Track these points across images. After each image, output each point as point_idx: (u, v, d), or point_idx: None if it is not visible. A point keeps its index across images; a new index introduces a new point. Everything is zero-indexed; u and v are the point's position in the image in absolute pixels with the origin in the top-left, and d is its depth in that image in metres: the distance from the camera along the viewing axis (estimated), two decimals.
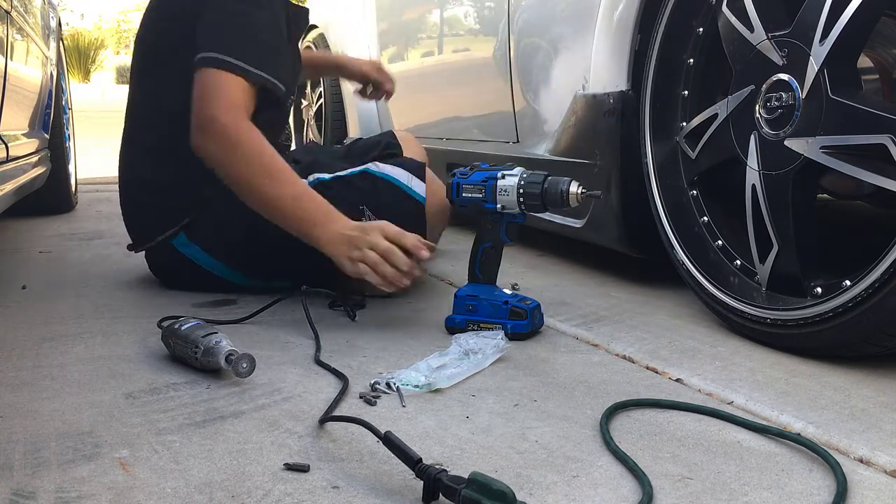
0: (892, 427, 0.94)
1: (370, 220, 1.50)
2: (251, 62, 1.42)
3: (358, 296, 1.53)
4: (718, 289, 1.34)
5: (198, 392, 1.05)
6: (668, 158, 1.50)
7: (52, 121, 2.62)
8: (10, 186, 1.81)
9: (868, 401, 1.03)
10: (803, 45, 1.16)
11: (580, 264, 1.94)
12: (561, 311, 1.49)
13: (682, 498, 0.77)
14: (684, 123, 1.47)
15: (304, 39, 1.94)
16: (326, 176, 1.57)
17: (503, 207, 1.30)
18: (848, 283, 1.10)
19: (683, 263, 1.42)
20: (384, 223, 1.36)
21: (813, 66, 1.14)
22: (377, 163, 1.58)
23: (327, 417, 0.94)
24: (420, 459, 0.77)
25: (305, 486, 0.79)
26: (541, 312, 1.35)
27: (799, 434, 0.91)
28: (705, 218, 1.44)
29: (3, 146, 1.76)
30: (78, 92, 6.40)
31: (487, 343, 1.18)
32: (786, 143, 1.20)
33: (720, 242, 1.40)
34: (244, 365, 1.06)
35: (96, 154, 5.40)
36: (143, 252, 1.68)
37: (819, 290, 1.16)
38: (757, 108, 1.26)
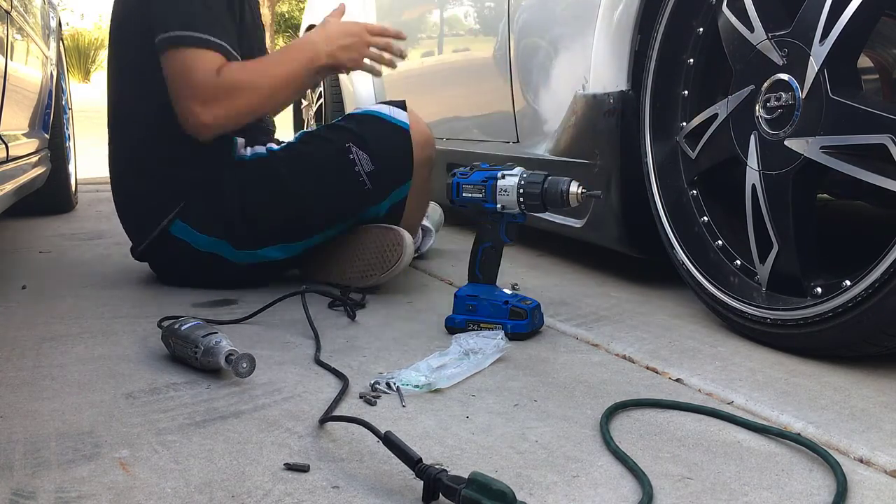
0: (892, 427, 0.94)
1: (358, 155, 1.55)
2: (204, 31, 1.47)
3: (358, 295, 1.53)
4: (718, 289, 1.34)
5: (198, 392, 1.05)
6: (668, 158, 1.50)
7: (52, 121, 2.62)
8: (10, 186, 1.81)
9: (868, 401, 1.03)
10: (803, 45, 1.16)
11: (580, 264, 1.94)
12: (561, 311, 1.49)
13: (682, 498, 0.77)
14: (684, 123, 1.47)
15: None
16: (312, 129, 1.64)
17: (503, 207, 1.30)
18: (848, 283, 1.10)
19: (683, 263, 1.42)
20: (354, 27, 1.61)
21: (813, 66, 1.14)
22: (358, 108, 1.64)
23: (327, 417, 0.94)
24: (420, 459, 0.77)
25: (305, 486, 0.79)
26: (541, 312, 1.35)
27: (799, 434, 0.91)
28: (705, 218, 1.44)
29: (3, 146, 1.76)
30: (78, 92, 6.39)
31: (487, 343, 1.18)
32: (786, 143, 1.20)
33: (720, 242, 1.40)
34: (244, 365, 1.06)
35: (96, 154, 5.40)
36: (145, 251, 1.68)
37: (819, 290, 1.16)
38: (757, 108, 1.26)
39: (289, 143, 1.63)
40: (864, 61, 1.42)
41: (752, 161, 1.26)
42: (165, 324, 1.24)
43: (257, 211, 1.57)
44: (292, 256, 1.63)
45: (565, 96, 1.77)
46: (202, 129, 1.50)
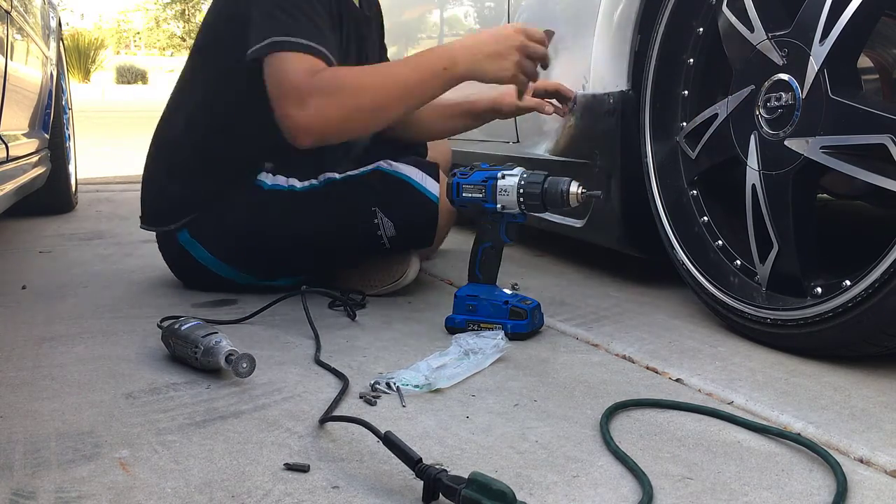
0: (892, 427, 0.94)
1: (382, 221, 1.50)
2: (304, 37, 1.39)
3: (358, 296, 1.53)
4: (718, 289, 1.34)
5: (198, 392, 1.05)
6: (668, 158, 1.50)
7: (52, 121, 2.63)
8: (10, 186, 1.81)
9: (868, 401, 1.03)
10: (803, 45, 1.16)
11: (580, 264, 1.94)
12: (561, 311, 1.49)
13: (682, 498, 0.77)
14: (684, 123, 1.47)
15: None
16: (337, 175, 1.56)
17: (503, 207, 1.30)
18: (848, 283, 1.10)
19: (683, 263, 1.42)
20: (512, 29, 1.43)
21: (813, 66, 1.14)
22: (389, 161, 1.55)
23: (327, 417, 0.94)
24: (420, 459, 0.77)
25: (305, 486, 0.79)
26: (541, 312, 1.35)
27: (799, 434, 0.91)
28: (705, 218, 1.44)
29: (4, 146, 1.76)
30: (78, 92, 6.40)
31: (487, 343, 1.18)
32: (786, 143, 1.20)
33: (720, 242, 1.40)
34: (244, 365, 1.06)
35: (96, 154, 5.40)
36: (155, 244, 1.70)
37: (819, 290, 1.16)
38: (757, 108, 1.26)
39: (312, 185, 1.54)
40: (864, 61, 1.42)
41: (752, 161, 1.26)
42: (165, 324, 1.24)
43: (265, 244, 1.54)
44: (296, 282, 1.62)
45: None
46: (299, 132, 1.38)
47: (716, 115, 1.37)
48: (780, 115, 1.21)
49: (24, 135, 2.08)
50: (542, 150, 1.90)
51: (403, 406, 1.00)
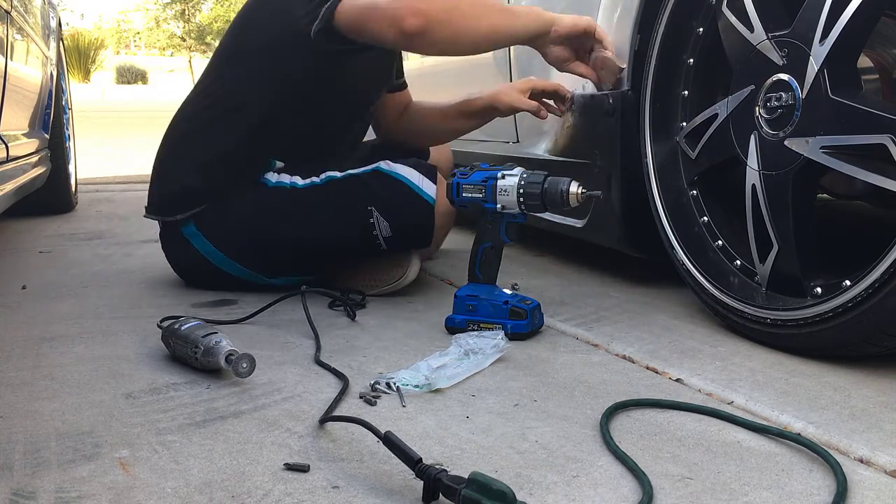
0: (892, 427, 0.94)
1: (378, 221, 1.50)
2: None
3: (358, 296, 1.53)
4: (718, 289, 1.34)
5: (198, 392, 1.05)
6: (668, 158, 1.50)
7: (52, 121, 2.63)
8: (10, 186, 1.81)
9: (868, 401, 1.03)
10: (803, 45, 1.16)
11: (580, 264, 1.94)
12: (561, 311, 1.49)
13: (682, 498, 0.77)
14: (684, 123, 1.47)
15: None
16: (338, 174, 1.57)
17: (503, 207, 1.30)
18: (848, 283, 1.10)
19: (683, 263, 1.42)
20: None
21: (813, 66, 1.14)
22: (388, 161, 1.56)
23: (327, 417, 0.94)
24: (420, 459, 0.77)
25: (305, 486, 0.79)
26: (541, 312, 1.35)
27: (799, 434, 0.91)
28: (705, 218, 1.44)
29: (3, 146, 1.76)
30: (78, 92, 6.40)
31: (487, 343, 1.18)
32: (786, 143, 1.20)
33: (720, 242, 1.40)
34: (244, 365, 1.06)
35: (96, 154, 5.40)
36: (159, 244, 1.70)
37: (819, 290, 1.16)
38: (757, 108, 1.26)
39: (312, 183, 1.57)
40: (864, 61, 1.42)
41: (752, 161, 1.26)
42: (165, 324, 1.24)
43: (266, 240, 1.56)
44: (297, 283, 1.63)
45: None
46: (408, 14, 1.40)
47: (716, 115, 1.37)
48: (780, 115, 1.21)
49: (24, 135, 2.08)
50: (541, 150, 1.90)
51: (403, 406, 1.00)
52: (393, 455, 0.79)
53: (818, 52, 1.13)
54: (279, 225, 1.55)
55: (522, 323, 1.29)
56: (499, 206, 1.30)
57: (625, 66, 1.55)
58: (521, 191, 1.27)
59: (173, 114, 1.69)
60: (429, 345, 1.26)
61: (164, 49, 44.30)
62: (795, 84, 1.18)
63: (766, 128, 1.24)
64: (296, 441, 0.89)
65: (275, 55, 1.52)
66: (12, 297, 1.59)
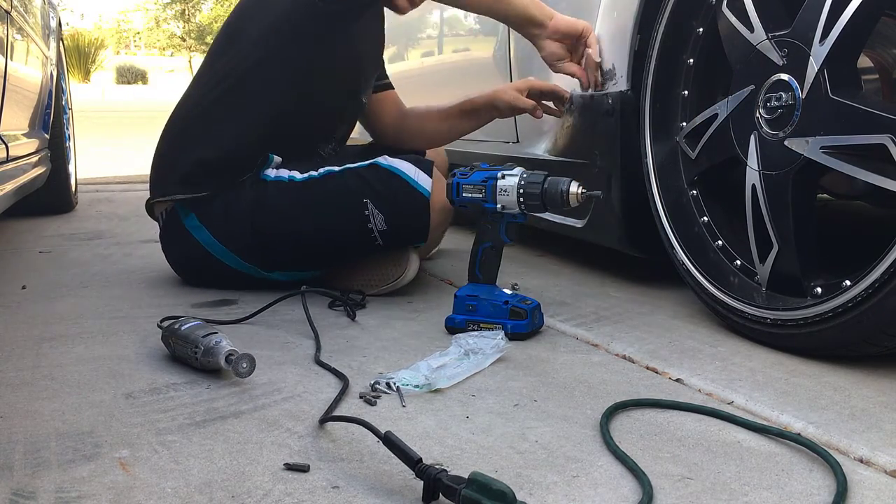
0: (892, 427, 0.94)
1: (373, 213, 1.51)
2: None
3: (358, 296, 1.53)
4: (718, 289, 1.34)
5: (198, 392, 1.05)
6: (668, 158, 1.50)
7: (52, 121, 2.63)
8: (10, 186, 1.81)
9: (868, 401, 1.03)
10: (803, 45, 1.16)
11: (580, 264, 1.94)
12: (561, 311, 1.49)
13: (682, 498, 0.77)
14: (684, 123, 1.47)
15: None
16: (336, 167, 1.58)
17: (503, 207, 1.30)
18: (848, 283, 1.10)
19: (683, 263, 1.42)
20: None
21: (813, 66, 1.14)
22: (387, 157, 1.57)
23: (327, 417, 0.94)
24: (420, 459, 0.77)
25: (305, 486, 0.79)
26: (541, 312, 1.35)
27: (799, 434, 0.91)
28: (705, 218, 1.44)
29: (3, 146, 1.76)
30: (78, 92, 6.40)
31: (487, 343, 1.18)
32: (786, 143, 1.20)
33: (720, 242, 1.40)
34: (244, 365, 1.06)
35: (96, 154, 5.40)
36: (159, 244, 1.71)
37: (819, 290, 1.16)
38: (757, 108, 1.26)
39: (310, 176, 1.58)
40: (864, 61, 1.42)
41: (752, 161, 1.26)
42: (165, 324, 1.24)
43: (265, 234, 1.57)
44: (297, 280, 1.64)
45: None
46: None
47: (716, 115, 1.37)
48: (780, 115, 1.21)
49: (24, 135, 2.08)
50: (541, 150, 1.90)
51: (403, 406, 1.00)
52: (393, 455, 0.79)
53: (818, 52, 1.13)
54: (277, 218, 1.56)
55: (522, 323, 1.29)
56: (499, 206, 1.30)
57: (600, 59, 1.61)
58: (521, 191, 1.27)
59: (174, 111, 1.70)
60: (429, 345, 1.26)
61: (164, 49, 44.32)
62: (795, 84, 1.18)
63: (766, 128, 1.24)
64: (296, 441, 0.89)
65: (281, 30, 1.56)
66: (12, 297, 1.59)
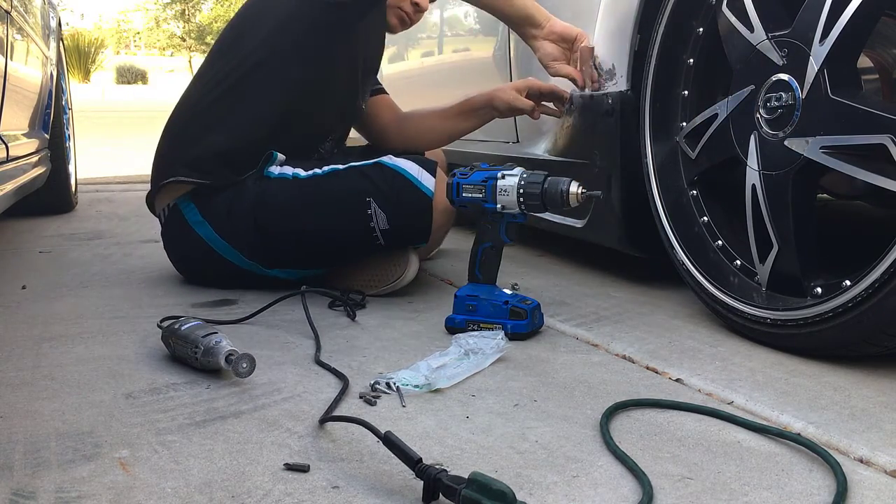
0: (892, 427, 0.94)
1: (375, 213, 1.51)
2: None
3: (358, 296, 1.53)
4: (718, 289, 1.34)
5: (198, 392, 1.05)
6: (668, 158, 1.50)
7: (52, 121, 2.62)
8: (10, 186, 1.81)
9: (868, 401, 1.03)
10: (803, 45, 1.16)
11: (580, 264, 1.94)
12: (561, 311, 1.49)
13: (682, 498, 0.77)
14: (684, 123, 1.47)
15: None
16: (340, 166, 1.59)
17: (503, 207, 1.30)
18: (848, 283, 1.10)
19: (683, 263, 1.42)
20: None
21: (813, 66, 1.14)
22: (391, 156, 1.58)
23: (327, 417, 0.94)
24: (420, 459, 0.77)
25: (305, 486, 0.79)
26: (541, 312, 1.35)
27: (799, 434, 0.91)
28: (705, 218, 1.44)
29: (3, 146, 1.76)
30: (78, 92, 6.40)
31: (487, 343, 1.18)
32: (786, 143, 1.20)
33: (720, 242, 1.40)
34: (244, 365, 1.06)
35: (96, 154, 5.40)
36: (159, 244, 1.72)
37: (819, 290, 1.16)
38: (757, 108, 1.26)
39: (314, 174, 1.58)
40: (864, 61, 1.42)
41: (752, 161, 1.26)
42: (165, 324, 1.24)
43: (267, 230, 1.57)
44: (297, 279, 1.64)
45: None
46: None
47: (716, 115, 1.37)
48: (780, 115, 1.21)
49: (24, 135, 2.08)
50: (541, 150, 1.90)
51: (403, 406, 1.00)
52: (393, 455, 0.79)
53: (818, 52, 1.13)
54: (280, 215, 1.56)
55: (522, 323, 1.29)
56: (499, 206, 1.30)
57: (593, 46, 1.64)
58: (521, 191, 1.27)
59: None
60: (429, 345, 1.26)
61: (164, 49, 44.30)
62: (795, 84, 1.18)
63: (766, 128, 1.24)
64: (296, 441, 0.89)
65: (286, 29, 1.58)
66: (12, 297, 1.59)
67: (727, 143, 1.33)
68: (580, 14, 1.73)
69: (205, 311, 1.48)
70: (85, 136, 5.25)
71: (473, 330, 1.30)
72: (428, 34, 2.68)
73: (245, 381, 1.08)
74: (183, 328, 1.15)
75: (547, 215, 1.81)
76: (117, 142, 6.65)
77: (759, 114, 1.26)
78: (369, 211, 1.51)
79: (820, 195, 1.91)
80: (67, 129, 3.14)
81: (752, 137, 1.27)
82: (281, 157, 1.61)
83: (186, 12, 39.79)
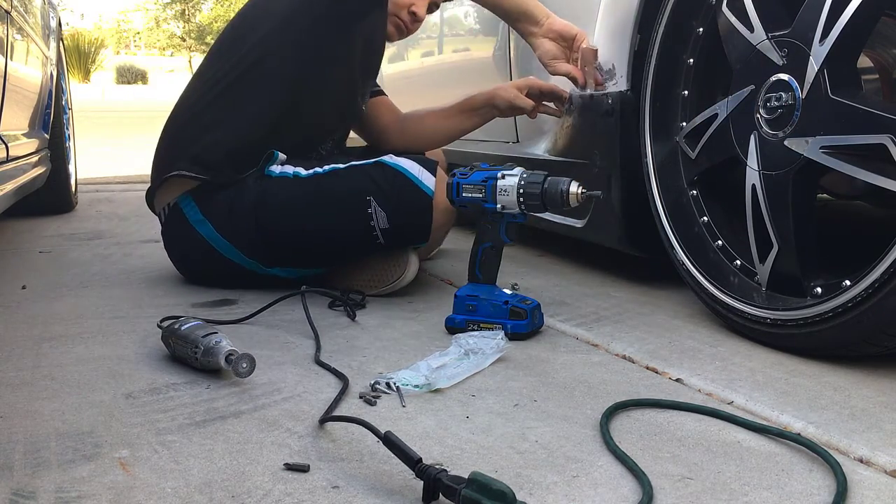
0: (892, 427, 0.94)
1: (376, 212, 1.51)
2: None
3: (358, 296, 1.53)
4: (718, 289, 1.34)
5: (198, 392, 1.05)
6: (668, 158, 1.50)
7: (52, 121, 2.62)
8: (10, 186, 1.81)
9: (868, 401, 1.03)
10: (803, 45, 1.16)
11: (580, 264, 1.94)
12: (561, 311, 1.49)
13: (682, 498, 0.77)
14: (684, 123, 1.47)
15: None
16: (341, 165, 1.59)
17: (503, 207, 1.30)
18: (848, 283, 1.10)
19: (683, 263, 1.42)
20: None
21: (813, 66, 1.14)
22: (392, 155, 1.58)
23: (327, 417, 0.94)
24: (420, 459, 0.77)
25: (305, 486, 0.79)
26: (541, 312, 1.35)
27: (799, 434, 0.91)
28: (705, 218, 1.44)
29: (3, 146, 1.76)
30: (78, 92, 6.40)
31: (487, 343, 1.18)
32: (786, 143, 1.20)
33: (720, 242, 1.40)
34: (244, 365, 1.06)
35: (96, 154, 5.40)
36: (159, 244, 1.72)
37: (819, 290, 1.16)
38: (757, 108, 1.26)
39: (315, 173, 1.58)
40: (864, 61, 1.42)
41: (752, 161, 1.26)
42: (165, 324, 1.24)
43: (268, 229, 1.57)
44: (297, 277, 1.64)
45: None
46: None
47: (716, 115, 1.37)
48: (780, 115, 1.21)
49: (24, 135, 2.08)
50: (541, 150, 1.90)
51: (403, 406, 1.00)
52: (393, 455, 0.79)
53: (818, 52, 1.13)
54: (280, 213, 1.56)
55: (522, 323, 1.29)
56: (499, 206, 1.30)
57: (597, 47, 1.62)
58: (521, 191, 1.27)
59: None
60: (429, 345, 1.26)
61: (164, 49, 44.31)
62: (795, 84, 1.18)
63: (765, 128, 1.24)
64: (296, 441, 0.89)
65: (289, 27, 1.59)
66: (12, 297, 1.59)
67: (727, 143, 1.33)
68: (580, 14, 1.73)
69: (205, 311, 1.48)
70: (85, 136, 5.25)
71: (473, 330, 1.30)
72: (428, 34, 2.68)
73: (245, 381, 1.08)
74: (183, 328, 1.15)
75: (547, 215, 1.81)
76: (117, 142, 6.65)
77: (759, 114, 1.26)
78: (370, 210, 1.51)
79: (820, 195, 1.91)
80: (67, 129, 3.14)
81: (752, 137, 1.27)
82: (282, 156, 1.61)
83: (186, 12, 39.79)
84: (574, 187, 1.24)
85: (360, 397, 1.03)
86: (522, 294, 1.35)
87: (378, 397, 1.03)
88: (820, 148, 1.14)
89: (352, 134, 1.99)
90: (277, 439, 0.90)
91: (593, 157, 1.66)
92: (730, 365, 1.17)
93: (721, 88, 1.42)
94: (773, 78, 1.22)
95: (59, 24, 2.99)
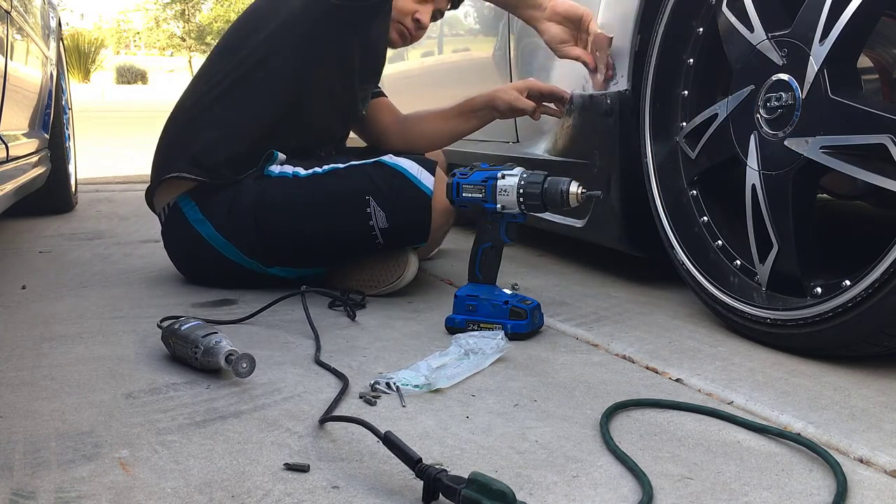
0: (892, 427, 0.94)
1: (375, 211, 1.51)
2: None
3: (358, 296, 1.53)
4: (718, 289, 1.34)
5: (198, 392, 1.05)
6: (668, 158, 1.50)
7: (52, 121, 2.62)
8: (10, 186, 1.81)
9: (868, 401, 1.03)
10: (803, 45, 1.16)
11: (580, 264, 1.94)
12: (561, 311, 1.49)
13: (682, 498, 0.77)
14: (684, 123, 1.47)
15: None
16: (340, 165, 1.59)
17: (503, 207, 1.30)
18: (848, 283, 1.10)
19: (683, 263, 1.42)
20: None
21: (813, 66, 1.14)
22: (392, 155, 1.58)
23: (327, 417, 0.94)
24: (420, 459, 0.77)
25: (305, 486, 0.79)
26: (541, 312, 1.35)
27: (799, 434, 0.91)
28: (705, 218, 1.44)
29: (3, 146, 1.76)
30: (78, 92, 6.40)
31: (487, 343, 1.18)
32: (786, 143, 1.20)
33: (720, 242, 1.40)
34: (244, 365, 1.06)
35: (96, 154, 5.40)
36: (159, 244, 1.72)
37: (819, 290, 1.16)
38: (757, 108, 1.26)
39: (314, 173, 1.58)
40: (864, 61, 1.42)
41: (752, 161, 1.26)
42: (165, 324, 1.24)
43: (267, 228, 1.57)
44: (297, 277, 1.64)
45: None
46: None
47: (716, 115, 1.37)
48: (780, 115, 1.21)
49: (24, 135, 2.08)
50: (541, 150, 1.90)
51: (403, 406, 1.00)
52: (393, 455, 0.79)
53: (818, 52, 1.13)
54: (279, 213, 1.56)
55: (522, 323, 1.29)
56: (499, 206, 1.30)
57: (612, 35, 1.59)
58: (521, 191, 1.27)
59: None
60: (429, 345, 1.26)
61: (164, 49, 44.31)
62: (795, 84, 1.18)
63: (765, 128, 1.24)
64: (296, 441, 0.89)
65: (293, 29, 1.58)
66: (12, 297, 1.59)
67: (727, 143, 1.33)
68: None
69: (205, 311, 1.48)
70: (85, 136, 5.25)
71: (473, 330, 1.30)
72: (428, 34, 2.68)
73: (245, 381, 1.08)
74: (183, 328, 1.15)
75: (547, 215, 1.81)
76: (117, 142, 6.66)
77: (759, 114, 1.26)
78: (368, 209, 1.51)
79: (820, 195, 1.91)
80: (67, 128, 3.14)
81: (752, 137, 1.27)
82: (281, 156, 1.61)
83: (186, 12, 39.79)
84: (574, 187, 1.24)
85: (360, 397, 1.03)
86: (522, 294, 1.35)
87: (378, 397, 1.03)
88: (820, 148, 1.14)
89: (352, 134, 1.99)
90: (277, 439, 0.90)
91: (593, 157, 1.66)
92: (730, 365, 1.17)
93: (721, 88, 1.42)
94: (773, 78, 1.22)
95: (59, 24, 2.99)
